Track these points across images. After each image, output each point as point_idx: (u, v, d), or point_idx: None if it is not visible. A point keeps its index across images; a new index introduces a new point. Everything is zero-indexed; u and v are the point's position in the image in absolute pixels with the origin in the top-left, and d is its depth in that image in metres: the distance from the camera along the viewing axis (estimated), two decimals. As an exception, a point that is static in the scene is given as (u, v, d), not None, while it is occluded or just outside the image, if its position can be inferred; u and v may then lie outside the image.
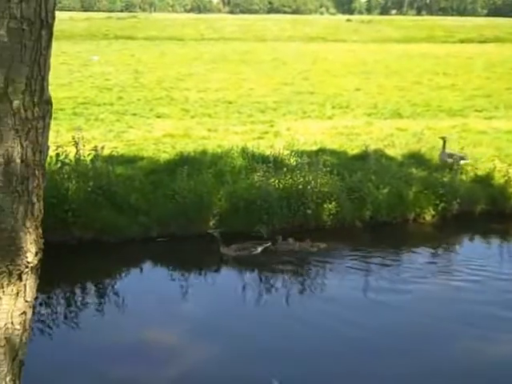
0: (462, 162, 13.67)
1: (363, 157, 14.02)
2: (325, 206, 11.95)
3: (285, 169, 12.48)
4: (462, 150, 14.22)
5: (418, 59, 33.45)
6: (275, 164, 12.52)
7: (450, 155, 13.86)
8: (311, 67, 29.59)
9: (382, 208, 12.29)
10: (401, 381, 7.53)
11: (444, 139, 13.96)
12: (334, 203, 11.98)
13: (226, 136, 16.10)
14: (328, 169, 12.42)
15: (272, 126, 17.56)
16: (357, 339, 8.34)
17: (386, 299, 9.49)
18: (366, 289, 9.93)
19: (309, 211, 11.82)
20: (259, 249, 11.03)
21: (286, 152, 13.82)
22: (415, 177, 13.14)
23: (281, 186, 12.04)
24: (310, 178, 12.06)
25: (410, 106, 20.82)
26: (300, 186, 11.98)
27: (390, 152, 14.72)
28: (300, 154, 13.76)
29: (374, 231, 12.14)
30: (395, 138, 16.13)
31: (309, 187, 11.95)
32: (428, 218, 12.58)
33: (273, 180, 12.06)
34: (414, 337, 8.48)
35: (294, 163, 12.97)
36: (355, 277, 10.28)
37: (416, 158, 14.30)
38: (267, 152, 13.69)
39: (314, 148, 14.97)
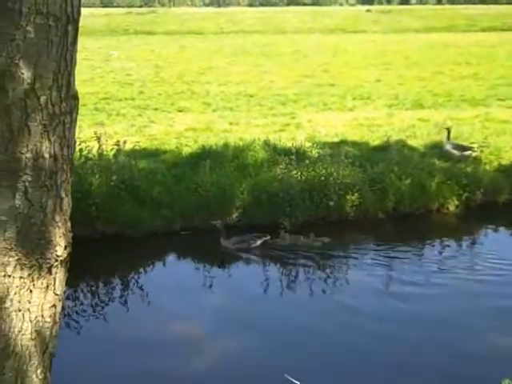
0: (466, 153, 13.48)
1: (385, 148, 13.95)
2: (347, 197, 11.92)
3: (307, 161, 12.46)
4: (486, 139, 14.09)
5: (440, 49, 33.17)
6: (297, 156, 12.51)
7: (455, 146, 13.66)
8: (331, 59, 29.48)
9: (404, 199, 12.24)
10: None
11: (448, 129, 13.77)
12: (356, 195, 11.94)
13: (247, 129, 16.10)
14: (350, 160, 12.39)
15: (293, 118, 17.53)
16: (376, 331, 8.33)
17: (408, 292, 9.46)
18: (389, 281, 9.91)
19: (331, 203, 11.80)
20: (258, 242, 10.99)
21: (308, 144, 13.80)
22: (438, 167, 13.06)
23: (303, 178, 12.03)
24: (332, 169, 12.03)
25: (432, 97, 20.66)
26: (322, 178, 11.97)
27: (411, 143, 14.64)
28: (322, 145, 13.75)
29: (396, 222, 12.10)
30: (417, 128, 16.03)
31: (331, 179, 11.92)
32: (452, 208, 12.52)
33: (295, 172, 12.05)
34: (440, 331, 8.44)
35: (316, 155, 12.96)
36: (379, 269, 10.26)
37: (438, 149, 14.20)
38: (289, 144, 13.68)
39: (336, 140, 14.94)
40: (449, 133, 13.72)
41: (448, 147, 13.66)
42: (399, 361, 7.71)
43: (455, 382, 7.32)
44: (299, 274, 10.22)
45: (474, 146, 13.79)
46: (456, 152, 13.50)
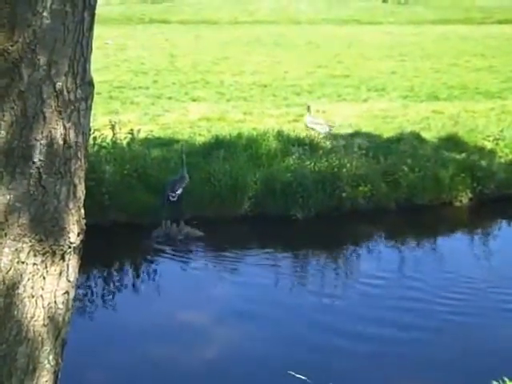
0: (324, 130, 13.64)
1: (399, 140, 13.89)
2: (360, 188, 11.88)
3: (320, 152, 12.44)
4: (502, 132, 13.97)
5: (455, 41, 32.88)
6: (311, 147, 12.48)
7: (314, 121, 13.87)
8: (346, 50, 29.30)
9: (417, 191, 12.18)
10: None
11: (309, 106, 14.12)
12: (369, 186, 11.90)
13: (261, 119, 16.05)
14: (363, 152, 12.35)
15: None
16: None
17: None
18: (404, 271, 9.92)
19: (344, 194, 11.76)
20: None
21: (322, 135, 13.75)
22: (451, 159, 12.97)
23: (316, 169, 12.00)
24: (346, 160, 12.00)
25: (447, 89, 20.50)
26: (335, 169, 11.93)
27: (425, 135, 14.54)
28: (335, 136, 13.70)
29: (409, 214, 12.05)
30: (431, 120, 15.94)
31: (344, 170, 11.89)
32: (465, 201, 12.44)
33: (308, 163, 12.02)
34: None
35: (330, 146, 12.92)
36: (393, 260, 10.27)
37: (453, 141, 14.10)
38: (302, 135, 13.64)
39: (350, 131, 14.87)
40: (309, 107, 14.04)
41: (308, 121, 13.89)
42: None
43: None
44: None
45: (334, 124, 14.09)
46: (314, 126, 13.72)
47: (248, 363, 7.63)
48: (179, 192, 11.04)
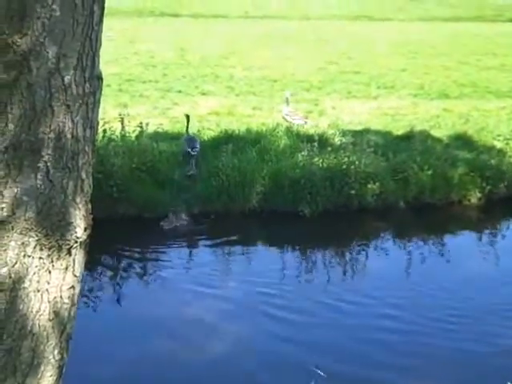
0: (299, 122, 14.06)
1: (408, 137, 13.83)
2: (368, 186, 11.83)
3: (329, 148, 12.39)
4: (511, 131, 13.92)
5: (466, 39, 32.74)
6: (319, 143, 12.43)
7: (291, 113, 14.24)
8: (356, 47, 29.20)
9: (426, 189, 12.13)
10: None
11: (287, 97, 14.44)
12: (377, 184, 11.85)
13: (270, 114, 16.02)
14: (372, 149, 12.30)
15: (317, 104, 17.41)
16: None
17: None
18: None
19: (352, 191, 11.72)
20: None
21: (331, 131, 13.71)
22: (461, 158, 12.90)
23: (325, 165, 11.95)
24: (354, 158, 11.95)
25: (457, 87, 20.40)
26: (344, 166, 11.88)
27: (435, 133, 14.48)
28: (345, 133, 13.65)
29: (417, 213, 12.00)
30: (441, 119, 15.87)
31: (352, 167, 11.84)
32: (474, 200, 12.38)
33: (317, 159, 11.98)
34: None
35: (339, 143, 12.87)
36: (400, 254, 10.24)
37: (462, 140, 14.04)
38: (311, 131, 13.61)
39: (359, 128, 14.83)
40: (287, 99, 14.33)
41: (284, 112, 14.29)
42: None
43: None
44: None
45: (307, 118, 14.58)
46: (289, 118, 14.16)
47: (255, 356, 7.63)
48: (197, 148, 12.14)
